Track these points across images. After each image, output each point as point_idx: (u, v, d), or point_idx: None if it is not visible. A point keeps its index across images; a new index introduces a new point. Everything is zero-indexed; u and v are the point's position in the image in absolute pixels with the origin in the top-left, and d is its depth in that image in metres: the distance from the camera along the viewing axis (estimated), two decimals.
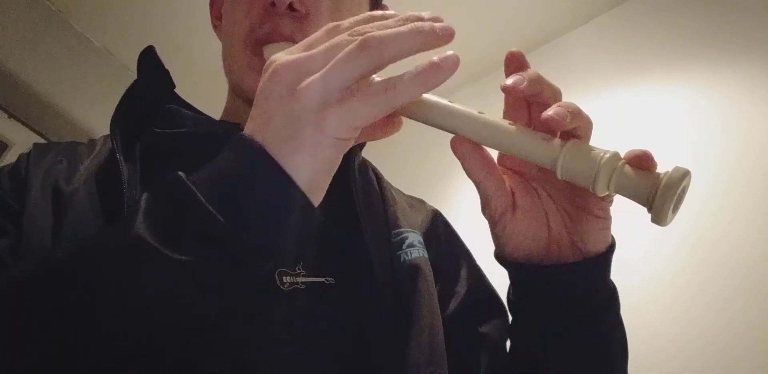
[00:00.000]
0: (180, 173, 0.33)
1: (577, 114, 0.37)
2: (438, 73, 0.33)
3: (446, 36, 0.34)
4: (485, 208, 0.43)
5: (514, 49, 0.41)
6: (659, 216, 0.35)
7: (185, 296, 0.30)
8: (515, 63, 0.41)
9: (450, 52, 0.34)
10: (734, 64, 1.37)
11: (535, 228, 0.43)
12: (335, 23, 0.37)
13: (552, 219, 0.43)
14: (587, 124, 0.39)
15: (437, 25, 0.34)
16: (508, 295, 0.48)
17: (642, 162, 0.36)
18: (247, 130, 0.35)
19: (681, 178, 0.34)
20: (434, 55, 0.34)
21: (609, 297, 0.44)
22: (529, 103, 0.41)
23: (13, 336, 0.30)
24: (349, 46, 0.33)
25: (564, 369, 0.45)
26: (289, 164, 0.33)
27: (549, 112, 0.36)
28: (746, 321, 1.05)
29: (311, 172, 0.33)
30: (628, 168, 0.36)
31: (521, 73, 0.38)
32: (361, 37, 0.33)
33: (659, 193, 0.34)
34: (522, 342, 0.49)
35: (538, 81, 0.39)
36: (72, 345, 0.30)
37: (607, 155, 0.36)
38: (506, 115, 0.42)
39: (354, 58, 0.33)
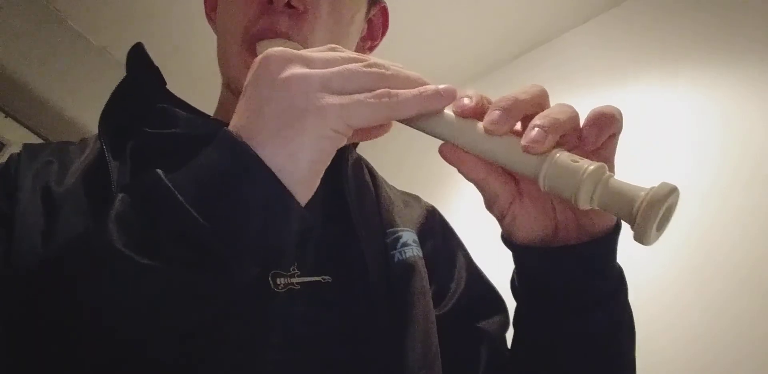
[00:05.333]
0: (158, 171, 0.31)
1: (557, 127, 0.35)
2: (438, 101, 0.36)
3: (449, 96, 0.36)
4: (491, 206, 0.42)
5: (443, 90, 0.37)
6: (641, 234, 0.32)
7: (160, 301, 0.29)
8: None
9: (450, 86, 0.36)
10: (734, 63, 1.36)
11: (543, 214, 0.42)
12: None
13: (557, 202, 0.42)
14: (574, 126, 0.36)
15: (441, 87, 0.36)
16: (513, 282, 0.47)
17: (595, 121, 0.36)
18: (233, 124, 0.34)
19: (666, 195, 0.32)
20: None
21: (617, 280, 0.44)
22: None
23: (8, 337, 0.30)
24: (367, 96, 0.33)
25: (571, 354, 0.44)
26: (282, 154, 0.31)
27: (524, 141, 0.35)
28: (746, 321, 1.05)
29: (305, 163, 0.32)
30: (613, 181, 0.34)
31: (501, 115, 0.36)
32: (379, 91, 0.34)
33: (642, 211, 0.32)
34: (527, 328, 0.48)
35: (510, 114, 0.36)
36: (64, 348, 0.30)
37: (591, 167, 0.34)
38: None
39: (360, 77, 0.34)
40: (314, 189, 0.34)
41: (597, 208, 0.35)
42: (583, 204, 0.35)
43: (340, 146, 0.34)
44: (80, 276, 0.30)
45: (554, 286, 0.43)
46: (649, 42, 1.57)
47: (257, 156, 0.31)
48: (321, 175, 0.34)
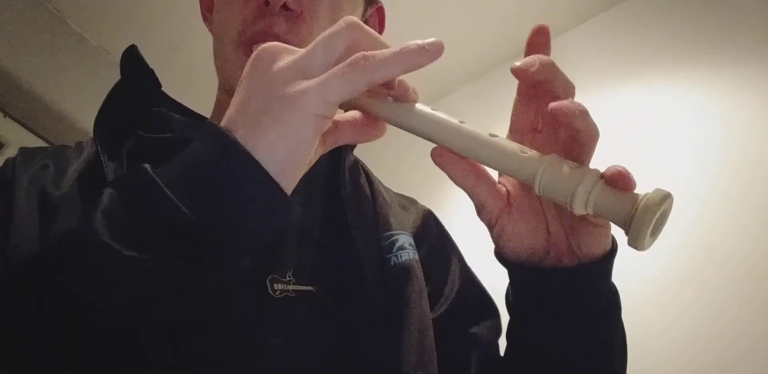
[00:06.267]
0: (145, 165, 0.32)
1: (584, 116, 0.35)
2: (420, 56, 0.32)
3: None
4: (480, 213, 0.42)
5: (542, 24, 0.39)
6: (636, 240, 0.33)
7: (149, 295, 0.29)
8: (538, 41, 0.40)
9: (436, 39, 0.33)
10: (732, 63, 1.36)
11: (534, 229, 0.42)
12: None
13: (551, 221, 0.41)
14: (590, 130, 0.36)
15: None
16: (507, 295, 0.47)
17: (618, 182, 0.34)
18: (224, 118, 0.34)
19: (660, 201, 0.33)
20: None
21: (608, 301, 0.43)
22: (539, 95, 0.40)
23: (8, 336, 0.30)
24: (340, 66, 0.32)
25: (563, 365, 0.44)
26: (263, 144, 0.31)
27: (555, 104, 0.34)
28: (746, 321, 1.05)
29: (286, 152, 0.32)
30: (607, 188, 0.34)
31: (535, 57, 0.37)
32: (354, 57, 0.32)
33: (636, 217, 0.32)
34: (518, 343, 0.48)
35: (551, 68, 0.37)
36: (63, 347, 0.30)
37: (586, 173, 0.34)
38: (516, 106, 0.41)
39: (348, 72, 0.32)
40: (298, 179, 0.34)
41: (591, 214, 0.35)
42: (578, 210, 0.35)
43: (325, 129, 0.33)
44: (68, 271, 0.30)
45: (542, 305, 0.43)
46: (647, 42, 1.57)
47: (242, 147, 0.31)
48: (305, 163, 0.34)
